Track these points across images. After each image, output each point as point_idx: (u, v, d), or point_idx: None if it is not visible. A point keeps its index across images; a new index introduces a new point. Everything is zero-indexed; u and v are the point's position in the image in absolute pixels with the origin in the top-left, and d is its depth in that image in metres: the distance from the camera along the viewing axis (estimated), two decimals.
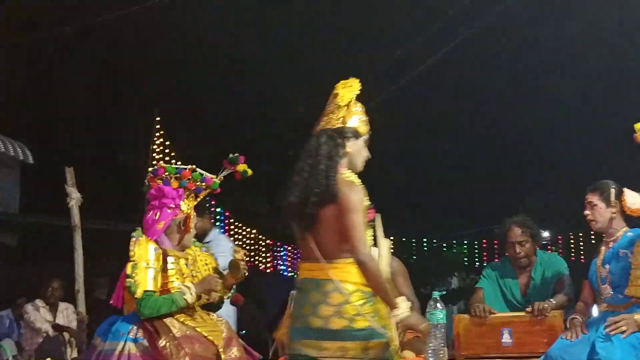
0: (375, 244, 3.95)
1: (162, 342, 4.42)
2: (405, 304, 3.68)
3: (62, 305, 8.24)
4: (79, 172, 6.46)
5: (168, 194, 4.75)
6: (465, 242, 20.40)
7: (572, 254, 18.92)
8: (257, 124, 15.39)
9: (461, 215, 18.88)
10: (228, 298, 5.06)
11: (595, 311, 5.06)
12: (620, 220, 4.82)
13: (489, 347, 4.89)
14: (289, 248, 21.42)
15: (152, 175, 4.84)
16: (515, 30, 11.99)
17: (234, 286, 5.05)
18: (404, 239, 18.15)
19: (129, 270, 4.52)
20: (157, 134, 12.84)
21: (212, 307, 4.95)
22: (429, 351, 3.89)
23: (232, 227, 17.59)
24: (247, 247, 18.59)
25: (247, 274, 4.94)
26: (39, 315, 8.06)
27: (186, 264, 4.79)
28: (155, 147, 12.71)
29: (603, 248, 4.88)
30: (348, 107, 3.82)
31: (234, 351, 4.61)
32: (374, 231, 3.98)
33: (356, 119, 3.81)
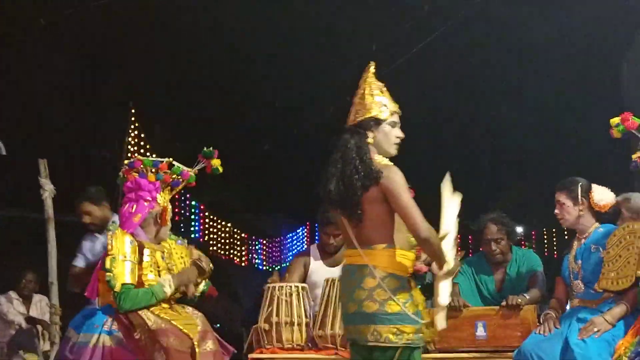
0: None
1: (137, 335, 4.41)
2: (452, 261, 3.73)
3: (36, 298, 8.19)
4: (52, 165, 6.41)
5: (144, 187, 4.73)
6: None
7: (546, 250, 19.08)
8: (232, 118, 15.33)
9: (435, 211, 18.96)
10: (201, 293, 5.06)
11: (569, 306, 5.11)
12: (589, 216, 4.86)
13: (463, 340, 4.93)
14: (264, 242, 21.43)
15: (128, 167, 4.82)
16: (491, 29, 12.03)
17: (207, 280, 5.05)
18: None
19: (107, 264, 4.50)
20: (132, 127, 12.77)
21: (187, 301, 4.95)
22: None
23: (207, 220, 17.57)
24: (222, 241, 18.58)
25: (211, 265, 4.95)
26: (11, 307, 8.00)
27: (162, 257, 4.77)
28: (130, 139, 12.64)
29: (575, 244, 4.93)
30: (363, 98, 3.89)
31: (209, 344, 4.61)
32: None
33: (375, 105, 3.85)
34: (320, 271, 5.60)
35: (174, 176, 4.85)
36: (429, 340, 3.69)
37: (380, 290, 3.56)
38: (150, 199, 4.75)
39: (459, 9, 10.85)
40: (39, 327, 7.73)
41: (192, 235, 16.21)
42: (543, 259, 5.75)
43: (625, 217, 5.05)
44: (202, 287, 5.01)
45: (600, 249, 4.73)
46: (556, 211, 4.91)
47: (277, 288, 5.03)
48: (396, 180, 3.63)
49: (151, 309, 4.56)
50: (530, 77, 13.58)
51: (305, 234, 20.71)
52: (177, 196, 15.00)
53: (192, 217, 16.66)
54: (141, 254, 4.62)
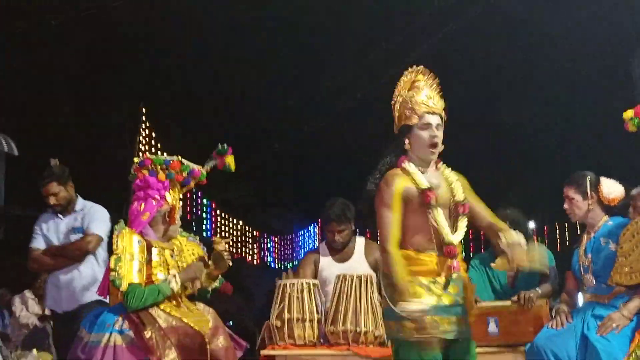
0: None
1: (147, 333, 4.42)
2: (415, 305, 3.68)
3: None
4: (64, 164, 6.43)
5: (153, 185, 4.74)
6: None
7: (558, 244, 19.03)
8: (244, 116, 15.35)
9: None
10: (215, 288, 5.06)
11: (580, 300, 5.10)
12: (598, 210, 4.84)
13: (475, 336, 4.86)
14: (276, 240, 21.46)
15: (138, 166, 4.82)
16: (502, 24, 12.01)
17: (220, 276, 5.05)
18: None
19: (112, 264, 4.50)
20: (144, 126, 12.81)
21: (199, 297, 4.96)
22: None
23: (218, 218, 17.61)
24: (234, 239, 18.61)
25: (231, 264, 4.94)
26: (24, 310, 8.05)
27: (171, 255, 4.78)
28: (141, 139, 12.69)
29: (585, 238, 4.91)
30: (395, 105, 4.01)
31: (221, 340, 4.61)
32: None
33: (403, 111, 3.93)
34: (331, 268, 5.61)
35: (184, 174, 4.85)
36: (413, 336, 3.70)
37: (388, 288, 3.73)
38: (159, 197, 4.75)
39: (470, 4, 10.84)
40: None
41: (204, 234, 16.25)
42: (555, 253, 5.73)
43: (638, 210, 5.04)
44: (216, 283, 5.02)
45: (610, 242, 4.71)
46: (565, 206, 4.89)
47: (288, 285, 5.04)
48: (379, 195, 3.81)
49: (161, 306, 4.57)
50: (541, 72, 13.55)
51: (317, 231, 20.74)
52: (188, 195, 15.06)
53: (204, 215, 16.70)
54: (149, 252, 4.63)
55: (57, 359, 6.65)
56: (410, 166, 3.86)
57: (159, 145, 12.94)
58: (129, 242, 4.57)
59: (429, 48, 11.20)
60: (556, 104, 14.22)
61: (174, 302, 4.67)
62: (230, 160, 5.02)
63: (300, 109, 14.27)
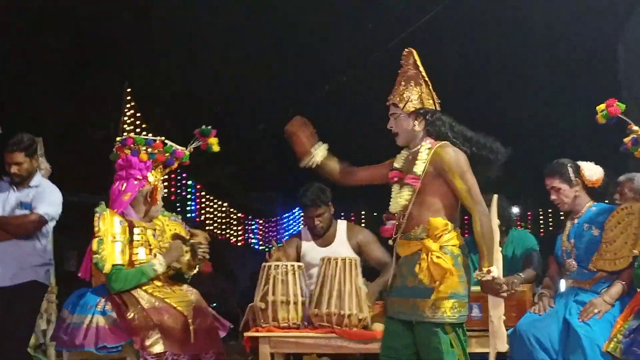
0: None
1: (130, 314, 4.41)
2: None
3: None
4: (48, 144, 6.39)
5: (135, 165, 4.71)
6: None
7: (542, 230, 19.13)
8: (229, 98, 15.30)
9: None
10: (195, 272, 5.06)
11: (563, 286, 5.12)
12: (584, 195, 4.85)
13: None
14: (260, 222, 21.45)
15: (120, 145, 4.79)
16: (486, 10, 12.00)
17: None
18: (375, 214, 18.24)
19: (94, 246, 4.49)
20: (128, 106, 12.74)
21: (182, 279, 4.95)
22: None
23: (203, 200, 17.57)
24: (218, 221, 18.58)
25: (207, 256, 4.93)
26: None
27: (153, 235, 4.76)
28: (125, 119, 12.62)
29: (568, 223, 4.92)
30: None
31: (204, 320, 4.62)
32: None
33: None
34: (313, 252, 5.61)
35: (167, 155, 4.82)
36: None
37: None
38: (141, 177, 4.73)
39: None
40: None
41: (189, 215, 16.22)
42: (539, 239, 5.75)
43: (628, 197, 5.06)
44: (194, 271, 5.01)
45: (593, 227, 4.73)
46: (553, 197, 4.86)
47: (273, 267, 5.03)
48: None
49: (144, 287, 4.57)
50: (525, 59, 13.57)
51: (302, 214, 20.75)
52: (173, 176, 15.02)
53: (189, 197, 16.66)
54: (131, 233, 4.62)
55: None
56: None
57: (143, 126, 12.86)
58: (111, 224, 4.56)
59: (411, 33, 11.18)
60: (541, 89, 14.26)
61: (158, 283, 4.66)
62: (213, 141, 4.99)
63: (286, 90, 14.25)
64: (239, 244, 20.38)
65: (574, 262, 4.79)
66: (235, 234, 20.00)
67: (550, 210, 18.94)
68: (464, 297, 3.87)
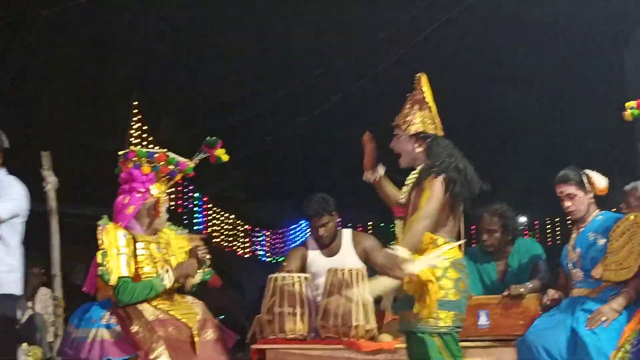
0: None
1: (134, 328, 4.41)
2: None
3: (42, 291, 8.19)
4: (56, 157, 6.41)
5: (137, 178, 4.72)
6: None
7: (549, 239, 19.07)
8: (236, 109, 15.33)
9: None
10: (204, 281, 5.05)
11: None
12: (594, 204, 4.85)
13: (465, 329, 4.87)
14: (267, 233, 21.44)
15: (123, 158, 4.80)
16: (496, 14, 12.00)
17: (207, 269, 5.03)
18: (382, 224, 18.22)
19: (99, 258, 4.50)
20: (135, 119, 12.77)
21: (186, 290, 4.94)
22: None
23: (210, 212, 17.58)
24: (226, 232, 18.59)
25: (207, 258, 4.92)
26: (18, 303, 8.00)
27: (158, 249, 4.76)
28: (132, 131, 12.65)
29: (574, 233, 4.91)
30: None
31: (209, 333, 4.61)
32: None
33: None
34: (320, 262, 5.61)
35: (170, 167, 4.82)
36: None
37: None
38: (144, 190, 4.73)
39: None
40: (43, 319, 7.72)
41: (195, 227, 16.23)
42: (546, 248, 5.73)
43: (634, 206, 5.04)
44: (199, 278, 4.99)
45: (599, 236, 4.71)
46: (567, 204, 4.83)
47: (280, 278, 5.03)
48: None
49: (148, 300, 4.57)
50: (534, 66, 13.55)
51: (308, 225, 20.71)
52: (180, 188, 15.03)
53: (195, 209, 16.67)
54: (135, 246, 4.62)
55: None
56: None
57: (150, 138, 12.89)
58: (115, 237, 4.57)
59: (421, 40, 11.19)
60: (549, 98, 14.24)
61: (163, 296, 4.66)
62: (220, 152, 4.99)
63: (293, 101, 14.25)
64: (246, 255, 20.37)
65: (580, 272, 4.78)
66: (242, 245, 19.99)
67: (557, 220, 18.88)
68: (453, 307, 3.98)
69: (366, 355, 4.87)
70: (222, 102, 15.26)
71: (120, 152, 4.84)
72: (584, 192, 4.80)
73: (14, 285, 4.74)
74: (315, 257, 5.68)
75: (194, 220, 16.54)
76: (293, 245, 20.73)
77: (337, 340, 4.87)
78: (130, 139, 12.61)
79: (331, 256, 5.60)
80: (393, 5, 11.72)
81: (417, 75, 4.28)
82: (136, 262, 4.60)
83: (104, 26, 12.86)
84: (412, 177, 4.21)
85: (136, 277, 4.58)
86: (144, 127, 13.09)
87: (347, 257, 5.57)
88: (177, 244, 4.93)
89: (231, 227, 19.01)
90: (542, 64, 13.37)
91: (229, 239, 18.92)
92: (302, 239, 20.51)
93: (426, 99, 4.21)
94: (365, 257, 5.57)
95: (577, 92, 13.55)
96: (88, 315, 4.56)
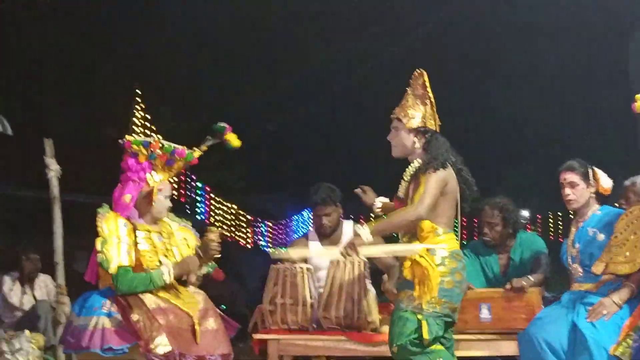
0: None
1: (135, 317, 4.41)
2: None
3: (41, 277, 8.20)
4: (58, 145, 6.40)
5: (132, 167, 4.71)
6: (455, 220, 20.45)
7: (551, 233, 19.08)
8: (238, 98, 15.31)
9: None
10: (206, 273, 5.04)
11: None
12: (594, 199, 4.85)
13: (467, 322, 4.92)
14: (269, 224, 21.46)
15: (121, 149, 4.79)
16: (497, 9, 11.98)
17: (213, 262, 5.02)
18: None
19: (98, 246, 4.49)
20: (138, 107, 12.76)
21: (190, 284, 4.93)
22: None
23: (212, 202, 17.58)
24: (228, 223, 18.60)
25: (218, 255, 4.90)
26: (15, 288, 8.02)
27: (159, 238, 4.75)
28: (135, 120, 12.64)
29: (573, 228, 4.91)
30: None
31: (211, 322, 4.60)
32: None
33: None
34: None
35: (167, 155, 4.78)
36: None
37: None
38: (138, 179, 4.72)
39: None
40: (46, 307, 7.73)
41: (198, 217, 16.23)
42: (548, 242, 5.73)
43: (633, 201, 5.04)
44: (204, 269, 4.98)
45: (598, 231, 4.71)
46: (567, 191, 4.83)
47: (282, 269, 5.03)
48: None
49: None
50: (536, 60, 13.53)
51: (310, 216, 20.74)
52: (182, 178, 15.03)
53: (198, 198, 16.67)
54: (135, 236, 4.61)
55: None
56: None
57: (153, 127, 12.88)
58: (115, 225, 4.56)
59: (421, 36, 11.18)
60: (552, 92, 14.21)
61: (165, 287, 4.65)
62: (231, 137, 4.98)
63: (296, 91, 14.25)
64: (248, 245, 20.40)
65: (579, 267, 4.78)
66: (244, 235, 20.01)
67: (560, 214, 18.88)
68: (444, 295, 4.09)
69: (368, 347, 4.88)
70: (224, 92, 15.24)
71: (120, 141, 4.83)
72: (587, 184, 4.80)
73: None
74: (316, 248, 5.68)
75: (197, 210, 16.55)
76: (295, 235, 20.81)
77: (339, 332, 4.87)
78: (133, 127, 12.59)
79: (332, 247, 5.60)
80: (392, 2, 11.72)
81: (418, 70, 4.34)
82: (137, 252, 4.59)
83: (108, 16, 12.85)
84: (408, 171, 4.28)
85: (137, 266, 4.57)
86: (146, 117, 13.07)
87: None
88: (181, 236, 4.92)
89: (233, 217, 19.02)
90: (546, 60, 13.35)
91: (232, 229, 18.94)
92: (305, 230, 20.58)
93: (428, 95, 4.29)
94: None
95: (580, 88, 13.53)
96: (89, 303, 4.56)
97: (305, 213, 21.09)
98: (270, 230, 21.85)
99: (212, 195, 17.53)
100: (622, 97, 4.81)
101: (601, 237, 4.69)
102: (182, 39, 13.73)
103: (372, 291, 4.94)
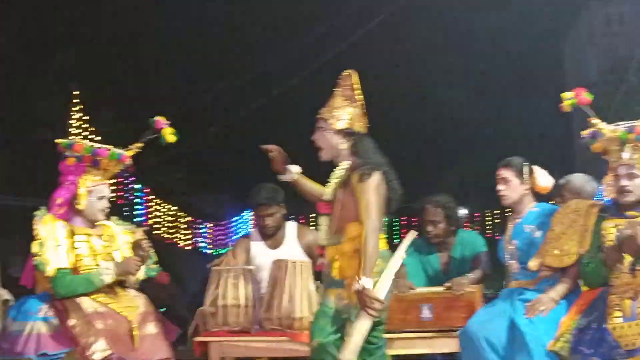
0: None
1: (71, 321, 4.35)
2: None
3: None
4: None
5: (63, 170, 4.66)
6: (385, 219, 20.63)
7: (488, 231, 19.35)
8: (178, 100, 15.21)
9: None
10: (150, 277, 4.99)
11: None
12: (529, 197, 4.91)
13: (408, 321, 4.95)
14: (209, 225, 21.34)
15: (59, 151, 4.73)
16: (433, 9, 12.11)
17: (153, 265, 4.97)
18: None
19: (35, 248, 4.42)
20: (75, 109, 12.56)
21: (130, 285, 4.86)
22: None
23: (151, 204, 17.40)
24: (167, 224, 18.44)
25: (151, 253, 4.85)
26: None
27: (99, 241, 4.68)
28: (72, 122, 12.44)
29: (510, 224, 4.98)
30: None
31: (150, 327, 4.55)
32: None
33: None
34: (263, 254, 5.59)
35: (91, 156, 4.69)
36: None
37: None
38: (69, 182, 4.65)
39: None
40: None
41: (136, 220, 16.05)
42: (486, 240, 5.81)
43: (568, 200, 5.12)
44: (143, 272, 4.91)
45: (535, 228, 4.79)
46: (500, 187, 4.90)
47: (223, 270, 5.00)
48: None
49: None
50: (472, 59, 13.73)
51: (251, 217, 20.66)
52: (120, 180, 14.82)
53: (136, 200, 16.48)
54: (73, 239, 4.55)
55: None
56: None
57: (91, 129, 12.69)
58: (53, 228, 4.49)
59: (360, 35, 11.24)
60: (489, 93, 14.43)
61: (105, 289, 4.59)
62: (166, 131, 4.90)
63: (236, 92, 14.20)
64: (188, 247, 20.24)
65: (516, 264, 4.84)
66: (183, 237, 19.85)
67: (497, 212, 19.16)
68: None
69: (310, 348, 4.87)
70: (164, 94, 15.12)
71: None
72: (520, 181, 4.87)
73: None
74: (258, 248, 5.65)
75: (135, 212, 16.36)
76: (235, 237, 20.71)
77: (281, 332, 4.86)
78: (70, 130, 12.39)
79: (275, 248, 5.58)
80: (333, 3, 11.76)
81: (346, 72, 4.27)
82: (75, 255, 4.52)
83: (43, 15, 12.63)
84: (337, 174, 4.21)
85: (75, 270, 4.50)
86: (84, 118, 12.87)
87: (291, 249, 5.55)
88: (123, 237, 4.85)
89: (173, 218, 18.85)
90: (478, 58, 13.55)
91: (171, 230, 18.77)
92: (245, 231, 20.53)
93: (356, 96, 4.22)
94: (309, 252, 5.56)
95: (514, 86, 13.80)
96: (24, 307, 4.48)
97: (245, 214, 21.00)
98: (210, 231, 21.71)
99: (151, 197, 17.35)
100: (557, 93, 4.86)
101: (538, 234, 4.76)
102: (122, 41, 13.58)
103: (314, 292, 4.94)
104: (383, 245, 4.14)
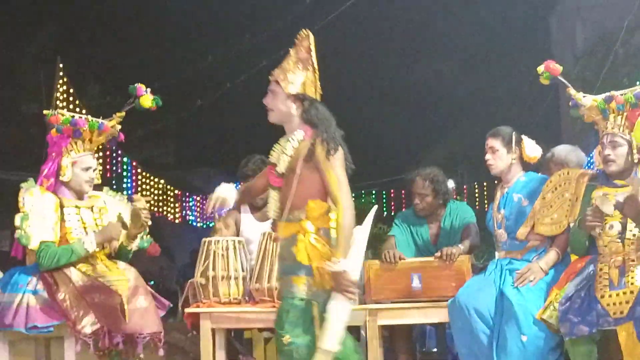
0: None
1: (61, 295, 4.34)
2: None
3: None
4: None
5: (49, 141, 4.63)
6: (374, 192, 20.71)
7: (477, 203, 19.42)
8: (165, 73, 15.11)
9: (368, 167, 19.18)
10: (142, 248, 4.97)
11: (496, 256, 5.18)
12: (517, 166, 4.93)
13: (399, 291, 4.98)
14: (198, 198, 21.31)
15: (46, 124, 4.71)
16: None
17: (146, 236, 4.96)
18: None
19: (17, 221, 4.40)
20: (61, 82, 12.47)
21: (121, 257, 4.84)
22: None
23: (139, 177, 17.35)
24: (155, 198, 18.41)
25: (149, 223, 4.82)
26: None
27: (89, 214, 4.66)
28: (58, 95, 12.35)
29: (498, 193, 5.00)
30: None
31: (140, 300, 4.52)
32: None
33: None
34: (252, 226, 5.60)
35: (68, 126, 4.65)
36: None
37: None
38: (54, 153, 4.63)
39: None
40: None
41: (125, 192, 15.99)
42: (474, 211, 5.83)
43: (554, 172, 5.15)
44: (137, 243, 4.90)
45: (522, 197, 4.81)
46: (488, 156, 4.92)
47: (213, 242, 5.00)
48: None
49: (78, 265, 4.48)
50: (459, 29, 13.70)
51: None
52: (108, 153, 14.77)
53: (124, 173, 16.41)
54: (62, 211, 4.52)
55: None
56: None
57: (77, 102, 12.61)
58: (40, 200, 4.47)
59: (349, 7, 11.18)
60: (476, 65, 14.42)
61: (93, 262, 4.57)
62: (143, 99, 4.84)
63: (222, 65, 14.13)
64: (177, 221, 20.23)
65: (504, 233, 4.86)
66: (172, 211, 19.83)
67: (485, 184, 19.22)
68: None
69: None
70: (151, 67, 15.03)
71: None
72: (507, 150, 4.88)
73: None
74: (248, 221, 5.66)
75: (124, 185, 16.30)
76: (223, 210, 20.72)
77: (271, 303, 4.87)
78: (56, 103, 12.31)
79: (264, 220, 5.58)
80: None
81: (304, 32, 3.98)
82: (64, 228, 4.50)
83: None
84: (290, 144, 3.90)
85: (63, 242, 4.49)
86: (70, 91, 12.78)
87: None
88: (115, 208, 4.83)
89: (161, 192, 18.81)
90: (468, 30, 13.52)
91: (159, 204, 18.73)
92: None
93: (311, 60, 3.94)
94: None
95: (502, 58, 13.77)
96: (14, 279, 4.47)
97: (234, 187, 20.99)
98: (199, 205, 21.69)
99: (139, 170, 17.29)
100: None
101: (525, 202, 4.79)
102: (108, 14, 13.47)
103: None
104: None
